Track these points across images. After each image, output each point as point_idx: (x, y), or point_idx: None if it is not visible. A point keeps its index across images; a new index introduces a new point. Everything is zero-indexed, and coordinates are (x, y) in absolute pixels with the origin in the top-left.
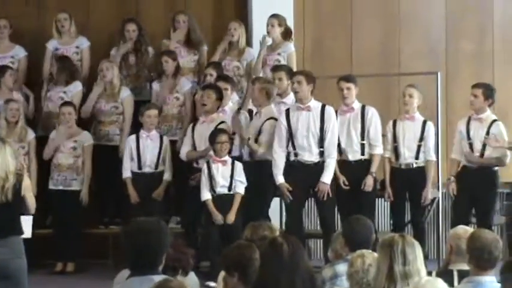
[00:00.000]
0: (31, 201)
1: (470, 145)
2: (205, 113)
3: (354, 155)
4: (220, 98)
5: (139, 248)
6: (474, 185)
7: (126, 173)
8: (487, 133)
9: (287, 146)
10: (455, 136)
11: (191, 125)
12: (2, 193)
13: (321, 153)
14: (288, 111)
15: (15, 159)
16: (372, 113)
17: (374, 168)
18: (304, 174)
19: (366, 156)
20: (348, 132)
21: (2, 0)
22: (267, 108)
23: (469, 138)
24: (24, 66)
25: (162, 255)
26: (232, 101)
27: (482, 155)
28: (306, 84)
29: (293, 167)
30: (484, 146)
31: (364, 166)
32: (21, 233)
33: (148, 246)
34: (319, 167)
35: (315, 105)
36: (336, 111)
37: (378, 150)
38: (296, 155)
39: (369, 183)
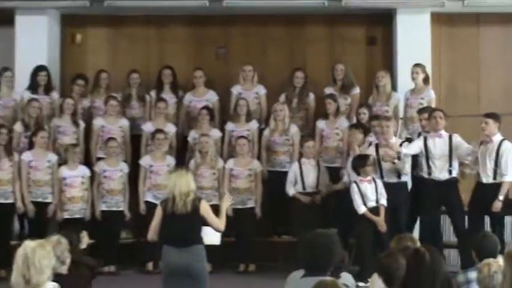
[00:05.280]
0: (214, 222)
1: None
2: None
3: (487, 178)
4: (365, 136)
5: (317, 254)
6: None
7: (291, 191)
8: None
9: (422, 167)
10: None
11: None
12: (184, 205)
13: (449, 172)
14: (425, 138)
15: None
16: (506, 147)
17: (502, 193)
18: (436, 190)
19: (496, 181)
20: (484, 159)
21: (198, 55)
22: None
23: None
24: (218, 107)
25: (333, 262)
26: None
27: None
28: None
29: (427, 184)
30: None
31: (494, 188)
32: (201, 242)
33: (324, 253)
34: (449, 184)
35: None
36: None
37: (507, 178)
38: (430, 173)
39: (496, 206)
